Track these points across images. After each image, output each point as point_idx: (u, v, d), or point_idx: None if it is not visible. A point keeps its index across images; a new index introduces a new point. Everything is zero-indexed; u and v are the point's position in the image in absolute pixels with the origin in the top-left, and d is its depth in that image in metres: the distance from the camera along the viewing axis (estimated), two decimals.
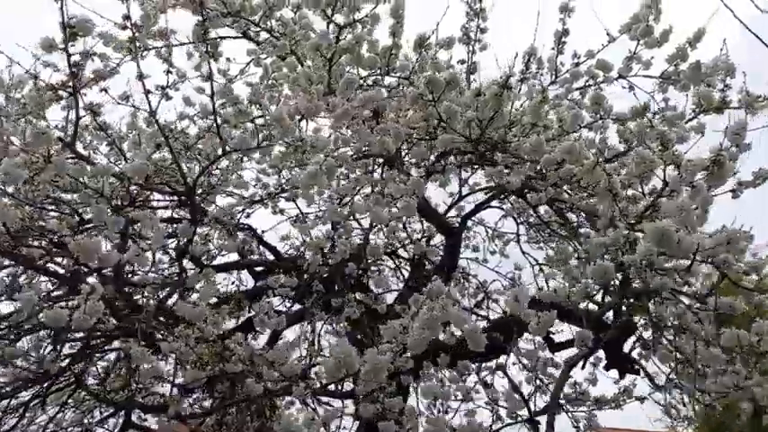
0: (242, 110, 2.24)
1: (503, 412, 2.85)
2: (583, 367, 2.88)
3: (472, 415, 2.65)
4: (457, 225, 4.35)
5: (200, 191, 2.93)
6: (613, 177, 2.15)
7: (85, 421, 3.64)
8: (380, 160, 3.40)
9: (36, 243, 2.36)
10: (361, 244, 3.32)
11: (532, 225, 4.74)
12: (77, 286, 2.33)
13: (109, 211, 2.29)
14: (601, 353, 3.58)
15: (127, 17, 2.47)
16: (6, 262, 2.85)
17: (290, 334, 3.90)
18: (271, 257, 3.82)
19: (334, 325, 3.65)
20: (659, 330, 3.25)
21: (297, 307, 3.82)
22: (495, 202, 4.55)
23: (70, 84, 2.06)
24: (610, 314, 3.10)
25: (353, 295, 3.61)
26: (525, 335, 3.51)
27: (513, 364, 3.97)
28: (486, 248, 5.19)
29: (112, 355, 3.83)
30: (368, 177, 3.18)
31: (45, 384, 3.13)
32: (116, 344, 2.97)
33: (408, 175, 2.78)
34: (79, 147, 2.72)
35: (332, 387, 2.89)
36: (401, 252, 4.47)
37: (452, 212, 4.41)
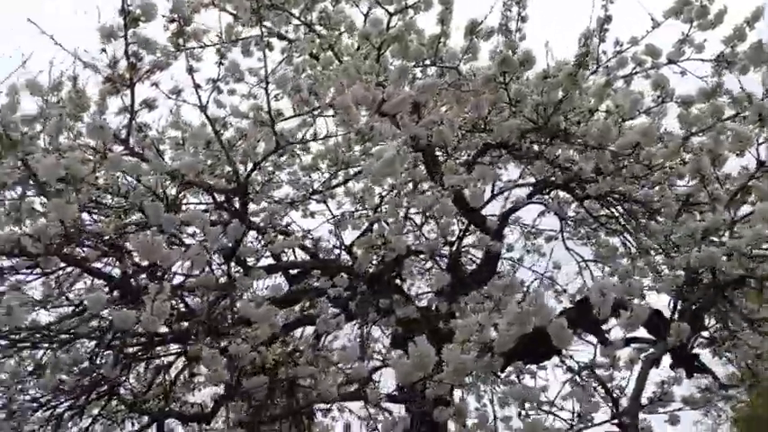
0: (303, 98, 2.12)
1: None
2: (657, 366, 2.71)
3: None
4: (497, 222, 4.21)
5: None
6: (703, 157, 2.00)
7: None
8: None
9: (86, 246, 2.26)
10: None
11: (576, 221, 4.59)
12: (132, 289, 2.22)
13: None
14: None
15: (175, 11, 2.37)
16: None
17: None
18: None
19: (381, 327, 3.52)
20: (727, 326, 3.08)
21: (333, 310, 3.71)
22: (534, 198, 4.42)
23: (128, 75, 1.96)
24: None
25: (400, 296, 3.48)
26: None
27: (557, 366, 3.82)
28: (523, 247, 5.06)
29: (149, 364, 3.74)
30: (417, 171, 3.05)
31: (84, 396, 3.04)
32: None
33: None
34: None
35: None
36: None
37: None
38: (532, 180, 4.35)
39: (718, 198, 2.01)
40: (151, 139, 3.07)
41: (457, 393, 3.15)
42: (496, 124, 2.74)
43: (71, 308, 2.70)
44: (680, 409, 2.44)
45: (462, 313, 2.94)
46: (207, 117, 2.46)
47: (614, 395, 2.19)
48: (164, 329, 3.21)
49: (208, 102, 2.43)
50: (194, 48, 2.83)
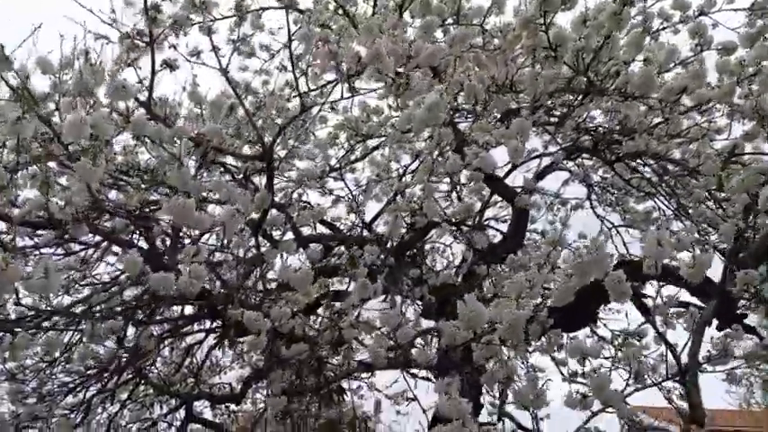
0: (331, 50, 2.00)
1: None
2: (709, 325, 2.60)
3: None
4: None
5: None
6: (764, 95, 1.87)
7: (146, 416, 3.49)
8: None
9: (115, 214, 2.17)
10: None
11: (603, 187, 4.45)
12: (162, 258, 2.13)
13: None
14: None
15: None
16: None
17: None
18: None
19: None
20: None
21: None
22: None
23: (147, 33, 1.85)
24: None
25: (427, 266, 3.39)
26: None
27: (588, 336, 3.70)
28: (546, 219, 4.93)
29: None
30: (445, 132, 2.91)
31: (112, 379, 2.97)
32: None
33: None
34: None
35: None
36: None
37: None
38: (557, 150, 4.21)
39: None
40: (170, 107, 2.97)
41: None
42: (528, 79, 2.62)
43: (92, 293, 2.62)
44: (736, 368, 2.33)
45: (499, 277, 2.83)
46: (228, 80, 2.35)
47: (675, 353, 2.08)
48: (189, 310, 3.15)
49: (228, 64, 2.31)
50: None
